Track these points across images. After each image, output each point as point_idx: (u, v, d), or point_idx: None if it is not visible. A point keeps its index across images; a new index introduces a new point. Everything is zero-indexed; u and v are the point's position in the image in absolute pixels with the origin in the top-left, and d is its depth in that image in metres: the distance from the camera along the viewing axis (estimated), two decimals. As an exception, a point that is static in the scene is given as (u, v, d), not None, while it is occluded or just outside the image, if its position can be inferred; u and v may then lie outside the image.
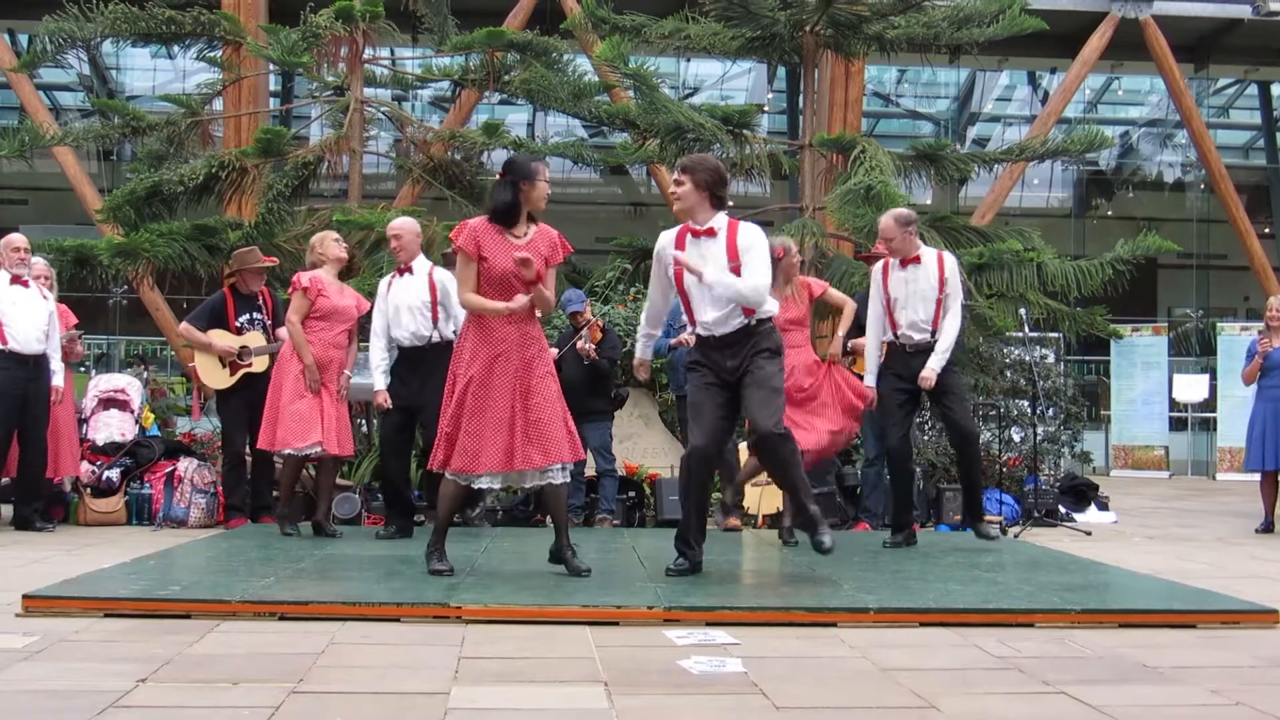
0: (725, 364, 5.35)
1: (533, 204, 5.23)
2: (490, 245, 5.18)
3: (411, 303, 6.83)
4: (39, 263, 8.09)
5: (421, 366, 6.81)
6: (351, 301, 7.07)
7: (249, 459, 7.81)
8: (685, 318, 5.58)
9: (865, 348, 6.93)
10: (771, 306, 5.43)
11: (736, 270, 5.26)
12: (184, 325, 7.98)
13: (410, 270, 6.91)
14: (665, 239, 5.46)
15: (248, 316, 7.89)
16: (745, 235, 5.32)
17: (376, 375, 6.88)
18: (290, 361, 6.83)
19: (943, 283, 6.58)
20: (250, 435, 7.56)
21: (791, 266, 7.00)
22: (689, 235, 5.38)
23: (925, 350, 6.59)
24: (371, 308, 7.07)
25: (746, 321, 5.32)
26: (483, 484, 5.25)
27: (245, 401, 7.67)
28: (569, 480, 5.34)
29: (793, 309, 6.88)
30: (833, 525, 8.11)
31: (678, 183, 5.36)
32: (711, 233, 5.32)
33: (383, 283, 7.03)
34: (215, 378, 7.79)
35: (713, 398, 5.36)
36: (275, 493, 7.51)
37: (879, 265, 6.83)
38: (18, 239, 7.62)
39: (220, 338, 7.77)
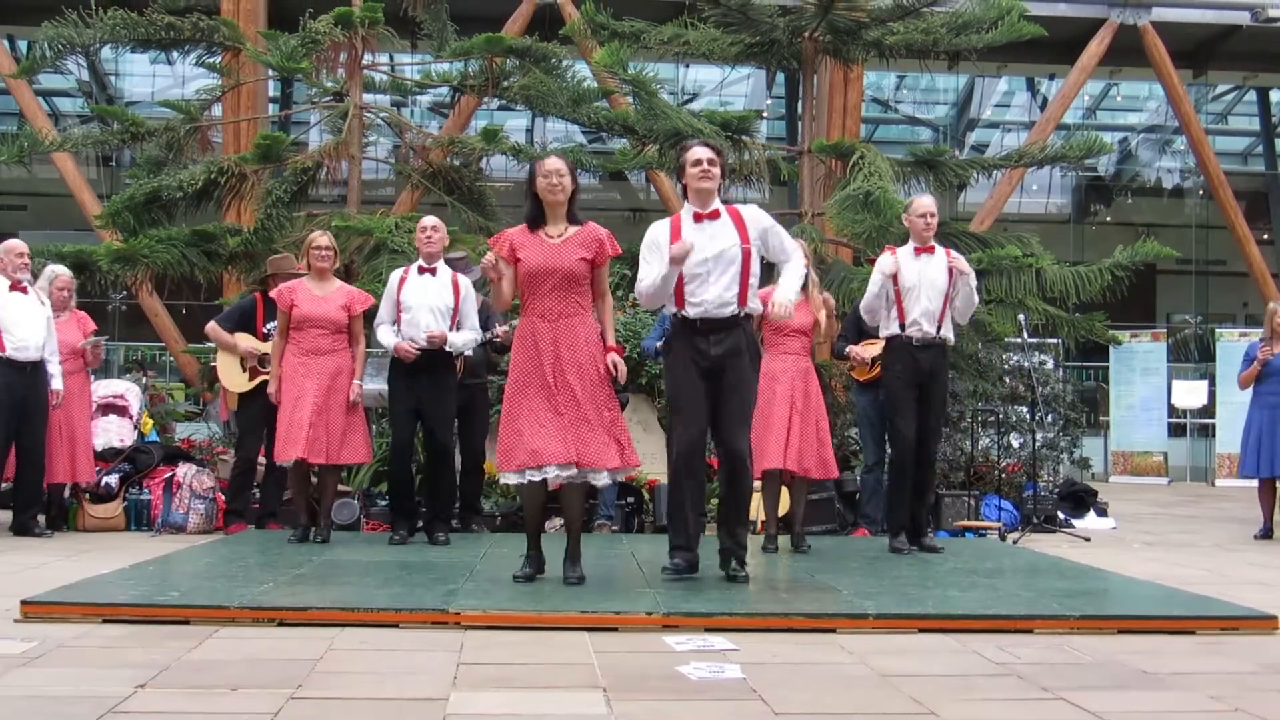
0: (710, 351, 5.33)
1: (543, 197, 5.31)
2: (523, 245, 5.30)
3: (434, 304, 6.75)
4: (64, 273, 8.09)
5: (433, 369, 6.76)
6: (338, 303, 6.99)
7: (261, 466, 7.79)
8: (670, 304, 5.47)
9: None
10: (755, 306, 5.50)
11: (747, 250, 5.35)
12: (211, 325, 7.95)
13: (434, 272, 6.87)
14: (660, 233, 5.44)
15: (275, 323, 7.88)
16: (753, 214, 5.47)
17: (389, 339, 6.76)
18: (290, 377, 6.87)
19: (952, 275, 6.72)
20: (267, 442, 7.54)
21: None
22: (692, 221, 5.40)
23: (931, 345, 6.71)
24: (371, 308, 7.08)
25: (736, 311, 5.35)
26: (514, 480, 5.23)
27: (263, 408, 7.62)
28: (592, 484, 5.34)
29: (801, 315, 6.66)
30: (830, 531, 8.20)
31: (711, 162, 5.39)
32: (716, 215, 5.41)
33: (394, 276, 6.92)
34: (234, 380, 7.79)
35: (694, 386, 5.36)
36: (285, 497, 7.63)
37: (886, 255, 6.84)
38: (19, 245, 7.63)
39: (246, 341, 7.79)
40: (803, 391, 6.73)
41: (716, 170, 5.40)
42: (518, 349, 5.28)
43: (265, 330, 7.81)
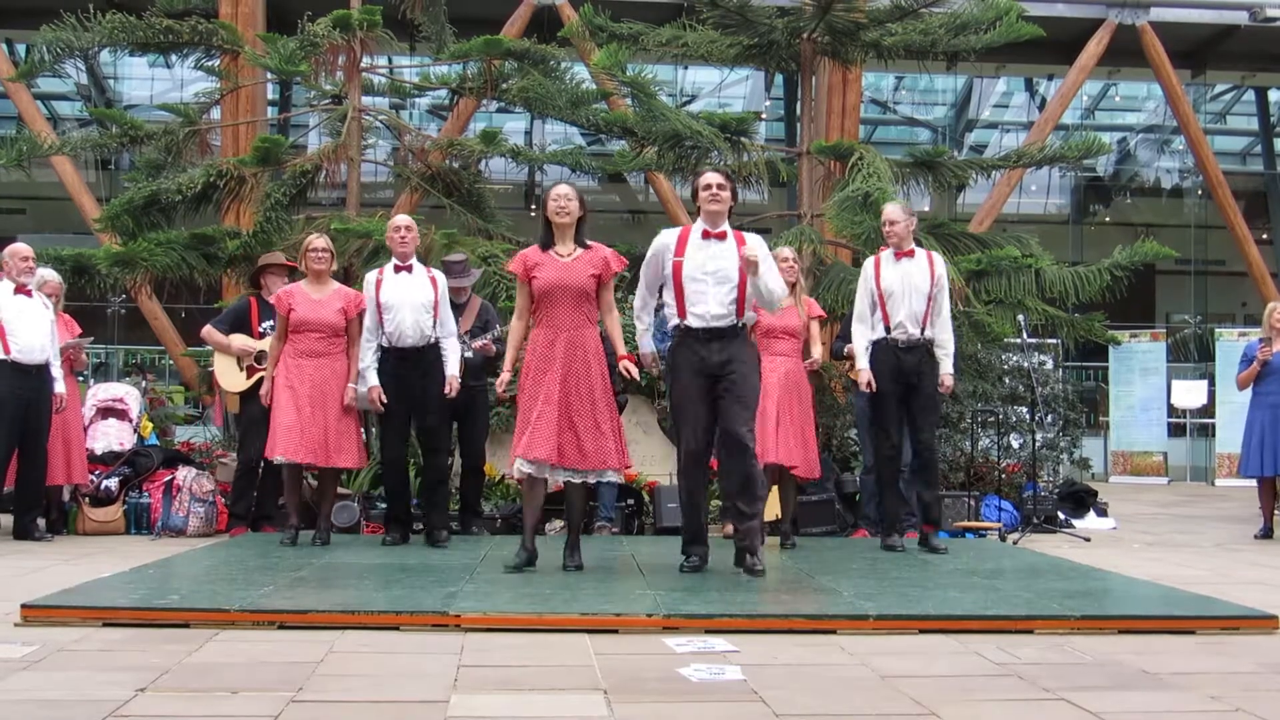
0: (712, 358, 5.66)
1: (552, 220, 5.86)
2: (538, 264, 5.85)
3: (415, 301, 6.77)
4: (52, 277, 8.09)
5: (421, 365, 6.78)
6: (335, 306, 6.98)
7: (260, 468, 7.78)
8: (672, 314, 5.80)
9: (854, 345, 7.02)
10: (751, 316, 5.88)
11: (743, 270, 5.67)
12: (206, 329, 7.99)
13: (410, 269, 6.88)
14: (668, 239, 5.86)
15: (270, 323, 7.88)
16: (756, 243, 5.77)
17: (367, 374, 6.80)
18: (283, 379, 6.87)
19: (934, 279, 6.85)
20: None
21: (786, 272, 7.02)
22: (700, 237, 5.77)
23: (916, 346, 6.82)
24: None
25: (735, 322, 5.70)
26: (529, 470, 5.66)
27: (263, 409, 7.62)
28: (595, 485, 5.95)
29: (789, 317, 7.01)
30: (830, 532, 8.20)
31: (721, 187, 5.78)
32: (723, 236, 5.77)
33: (370, 280, 6.88)
34: (231, 380, 7.82)
35: (697, 395, 5.69)
36: (280, 500, 7.59)
37: (869, 261, 6.98)
38: (25, 248, 7.63)
39: (240, 340, 7.80)
40: (794, 391, 6.96)
41: (725, 194, 5.77)
42: (531, 356, 5.75)
43: (261, 330, 7.84)
